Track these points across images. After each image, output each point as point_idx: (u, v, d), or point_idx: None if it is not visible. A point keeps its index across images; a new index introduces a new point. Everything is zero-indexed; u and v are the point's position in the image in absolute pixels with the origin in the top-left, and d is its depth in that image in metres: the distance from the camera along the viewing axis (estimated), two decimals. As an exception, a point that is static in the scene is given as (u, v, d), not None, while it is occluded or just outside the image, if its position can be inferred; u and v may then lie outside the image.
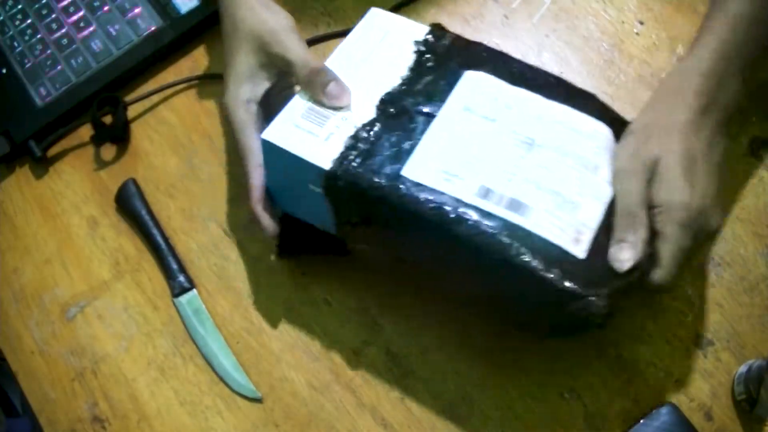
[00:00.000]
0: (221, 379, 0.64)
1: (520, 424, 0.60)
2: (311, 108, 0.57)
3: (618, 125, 0.58)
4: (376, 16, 0.62)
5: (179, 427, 0.63)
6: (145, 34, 0.76)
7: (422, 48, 0.60)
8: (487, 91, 0.58)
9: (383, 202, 0.53)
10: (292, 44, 0.60)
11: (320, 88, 0.57)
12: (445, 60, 0.59)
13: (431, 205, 0.52)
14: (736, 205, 0.65)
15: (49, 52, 0.77)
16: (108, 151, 0.74)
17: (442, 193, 0.53)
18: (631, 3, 0.73)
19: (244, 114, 0.61)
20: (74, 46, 0.77)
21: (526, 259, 0.50)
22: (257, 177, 0.60)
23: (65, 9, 0.79)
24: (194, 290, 0.67)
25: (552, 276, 0.50)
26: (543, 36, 0.73)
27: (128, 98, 0.75)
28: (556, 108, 0.57)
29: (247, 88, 0.61)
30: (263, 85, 0.61)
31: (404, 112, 0.57)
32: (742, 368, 0.59)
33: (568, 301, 0.50)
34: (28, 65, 0.77)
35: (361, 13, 0.75)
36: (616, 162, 0.55)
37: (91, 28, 0.77)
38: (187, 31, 0.76)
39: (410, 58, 0.59)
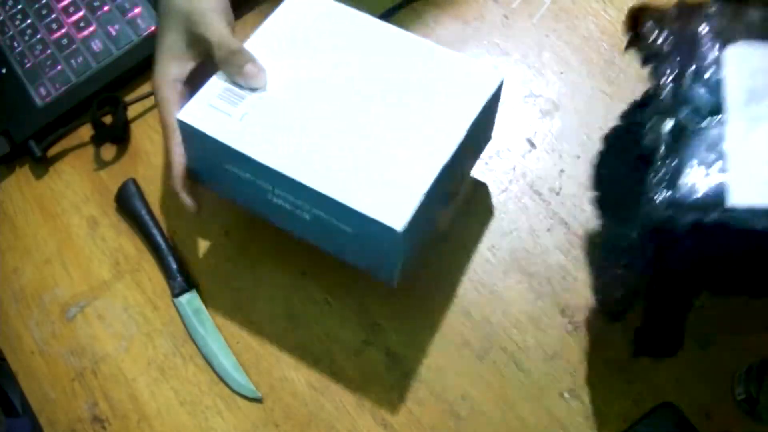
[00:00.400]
0: (221, 379, 0.64)
1: (520, 424, 0.60)
2: (227, 89, 0.58)
3: None
4: None
5: (179, 427, 0.63)
6: (145, 34, 0.76)
7: (645, 53, 0.51)
8: (760, 68, 0.47)
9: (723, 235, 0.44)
10: (214, 24, 0.60)
11: (237, 68, 0.58)
12: (677, 56, 0.49)
13: None
14: (736, 205, 0.65)
15: (49, 52, 0.77)
16: (108, 151, 0.74)
17: None
18: (631, 3, 0.73)
19: (169, 92, 0.61)
20: (74, 46, 0.77)
21: None
22: (178, 154, 0.61)
23: (65, 9, 0.79)
24: (194, 290, 0.67)
25: None
26: (543, 36, 0.73)
27: (128, 98, 0.75)
28: None
29: (173, 66, 0.62)
30: (189, 65, 0.62)
31: (681, 129, 0.48)
32: (742, 368, 0.59)
33: None
34: (28, 65, 0.77)
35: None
36: None
37: (91, 28, 0.77)
38: (187, 31, 0.76)
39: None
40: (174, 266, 0.68)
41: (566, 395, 0.61)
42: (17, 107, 0.75)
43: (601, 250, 0.54)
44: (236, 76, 0.58)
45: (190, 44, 0.61)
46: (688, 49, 0.49)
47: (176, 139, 0.60)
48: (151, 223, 0.69)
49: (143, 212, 0.70)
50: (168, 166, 0.62)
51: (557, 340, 0.62)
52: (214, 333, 0.65)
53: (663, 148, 0.47)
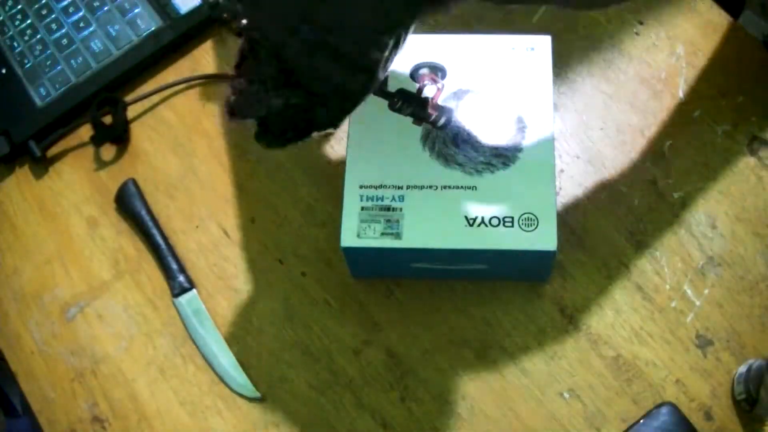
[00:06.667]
0: (221, 379, 0.64)
1: (520, 424, 0.60)
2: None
3: None
4: None
5: (179, 427, 0.63)
6: (145, 34, 0.76)
7: None
8: None
9: None
10: None
11: None
12: None
13: None
14: (736, 205, 0.65)
15: (49, 52, 0.77)
16: (108, 151, 0.74)
17: None
18: (631, 3, 0.73)
19: None
20: (74, 46, 0.77)
21: None
22: None
23: (65, 9, 0.79)
24: (194, 290, 0.67)
25: None
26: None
27: (128, 98, 0.75)
28: None
29: None
30: None
31: None
32: (742, 368, 0.59)
33: None
34: (28, 65, 0.77)
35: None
36: None
37: (91, 28, 0.77)
38: (187, 31, 0.76)
39: None
40: (174, 266, 0.68)
41: (566, 395, 0.61)
42: (17, 107, 0.75)
43: None
44: None
45: None
46: None
47: None
48: (151, 223, 0.69)
49: (143, 212, 0.70)
50: None
51: (557, 340, 0.62)
52: (214, 333, 0.65)
53: None
